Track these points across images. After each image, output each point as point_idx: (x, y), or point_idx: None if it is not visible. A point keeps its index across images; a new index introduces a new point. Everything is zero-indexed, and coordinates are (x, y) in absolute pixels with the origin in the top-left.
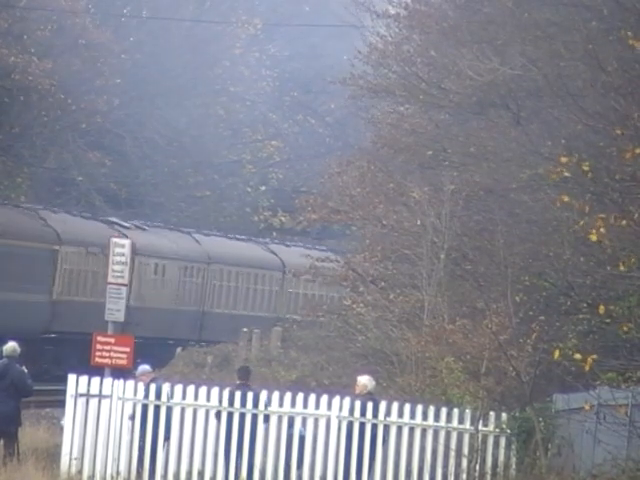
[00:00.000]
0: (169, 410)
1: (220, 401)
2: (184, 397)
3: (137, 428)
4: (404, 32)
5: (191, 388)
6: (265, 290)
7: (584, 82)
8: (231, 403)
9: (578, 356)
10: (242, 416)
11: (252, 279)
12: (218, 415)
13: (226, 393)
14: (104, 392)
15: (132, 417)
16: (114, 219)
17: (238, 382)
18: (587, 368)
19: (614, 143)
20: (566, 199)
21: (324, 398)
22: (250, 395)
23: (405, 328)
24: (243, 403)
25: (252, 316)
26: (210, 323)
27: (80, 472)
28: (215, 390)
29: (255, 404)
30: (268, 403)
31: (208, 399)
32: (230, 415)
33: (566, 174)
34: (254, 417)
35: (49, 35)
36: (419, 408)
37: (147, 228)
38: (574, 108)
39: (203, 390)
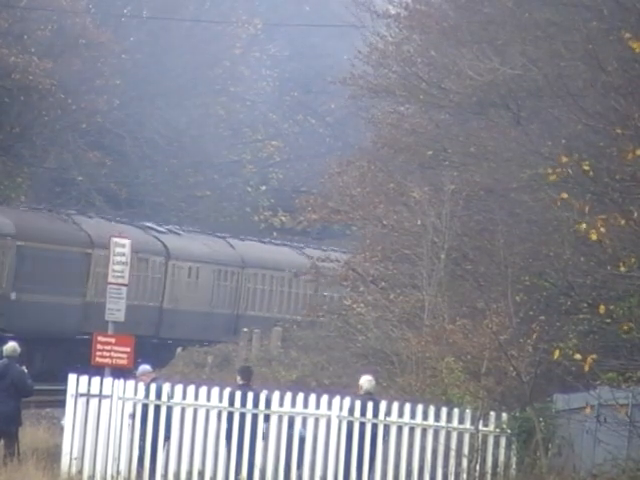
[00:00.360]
0: (169, 410)
1: (220, 401)
2: (184, 397)
3: (137, 428)
4: (404, 32)
5: (191, 388)
6: (299, 293)
7: (584, 82)
8: (231, 403)
9: (578, 356)
10: (242, 416)
11: (286, 282)
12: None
13: (227, 393)
14: (104, 392)
15: (132, 415)
16: (149, 224)
17: (240, 382)
18: (586, 368)
19: (614, 143)
20: (565, 196)
21: (324, 398)
22: (250, 395)
23: (405, 328)
24: (244, 403)
25: (286, 319)
26: (244, 326)
27: (80, 472)
28: (215, 390)
29: (255, 404)
30: (268, 403)
31: (208, 399)
32: (230, 415)
33: (569, 171)
34: (254, 417)
35: (49, 35)
36: (419, 408)
37: (182, 233)
38: (574, 108)
39: (203, 390)
